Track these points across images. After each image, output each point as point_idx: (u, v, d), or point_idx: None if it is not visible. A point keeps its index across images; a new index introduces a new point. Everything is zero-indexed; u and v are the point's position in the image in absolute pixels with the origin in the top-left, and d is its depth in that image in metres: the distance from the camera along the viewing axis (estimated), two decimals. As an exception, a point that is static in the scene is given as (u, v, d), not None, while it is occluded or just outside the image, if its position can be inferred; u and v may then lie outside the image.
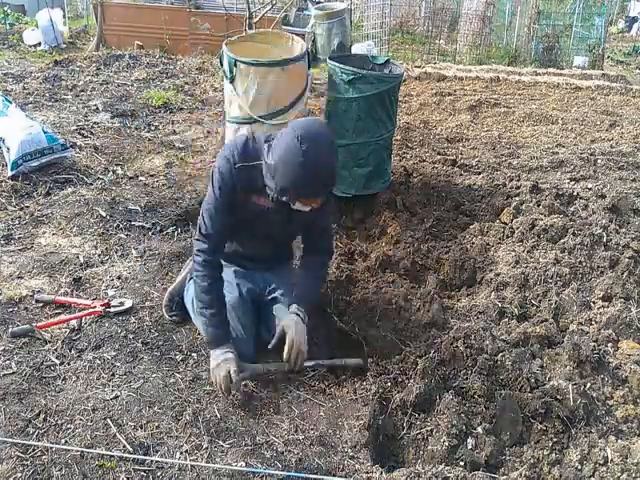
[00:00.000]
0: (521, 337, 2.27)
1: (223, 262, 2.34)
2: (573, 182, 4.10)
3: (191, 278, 2.44)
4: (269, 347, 2.26)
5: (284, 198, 2.08)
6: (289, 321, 2.24)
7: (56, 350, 2.27)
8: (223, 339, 2.17)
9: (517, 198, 3.66)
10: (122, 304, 2.54)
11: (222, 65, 3.54)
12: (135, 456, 1.81)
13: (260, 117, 3.39)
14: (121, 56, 7.20)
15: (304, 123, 2.08)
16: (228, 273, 2.40)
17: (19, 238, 3.07)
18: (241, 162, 2.14)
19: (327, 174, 2.05)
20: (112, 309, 2.50)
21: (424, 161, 4.56)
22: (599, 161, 4.60)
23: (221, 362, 2.10)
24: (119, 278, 2.78)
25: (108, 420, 1.95)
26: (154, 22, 8.95)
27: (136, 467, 1.78)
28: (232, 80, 3.41)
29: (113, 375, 2.16)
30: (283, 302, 2.39)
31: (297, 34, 10.05)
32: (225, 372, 2.06)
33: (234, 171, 2.14)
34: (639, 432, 1.93)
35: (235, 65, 3.37)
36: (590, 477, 1.76)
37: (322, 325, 2.64)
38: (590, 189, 3.80)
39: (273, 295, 2.47)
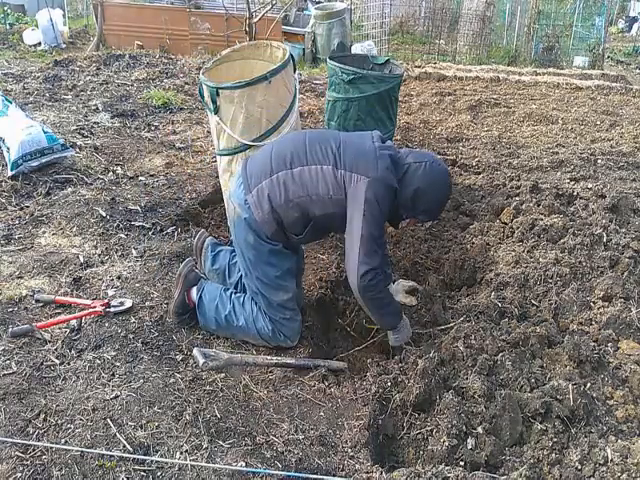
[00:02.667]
0: (521, 337, 2.27)
1: (284, 250, 2.42)
2: (573, 182, 4.10)
3: (200, 297, 2.49)
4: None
5: (419, 218, 2.46)
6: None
7: (56, 350, 2.27)
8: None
9: (517, 198, 3.66)
10: (122, 304, 2.54)
11: (203, 98, 3.17)
12: (135, 456, 1.81)
13: (254, 140, 3.08)
14: (121, 56, 7.20)
15: (440, 161, 2.48)
16: (290, 263, 2.47)
17: (19, 238, 3.07)
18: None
19: None
20: (112, 309, 2.50)
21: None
22: (599, 161, 4.60)
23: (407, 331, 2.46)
24: (119, 278, 2.78)
25: (108, 420, 1.95)
26: (154, 22, 8.96)
27: (136, 467, 1.78)
28: (217, 111, 3.08)
29: (113, 375, 2.16)
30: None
31: (297, 34, 10.10)
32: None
33: (394, 199, 2.32)
34: (639, 432, 1.93)
35: (217, 94, 3.02)
36: (590, 477, 1.76)
37: (322, 325, 2.64)
38: (590, 189, 3.80)
39: None
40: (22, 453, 1.80)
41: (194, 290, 2.51)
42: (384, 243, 2.51)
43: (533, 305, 2.60)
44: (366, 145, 2.35)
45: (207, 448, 1.88)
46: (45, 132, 3.78)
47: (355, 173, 2.26)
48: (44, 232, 3.14)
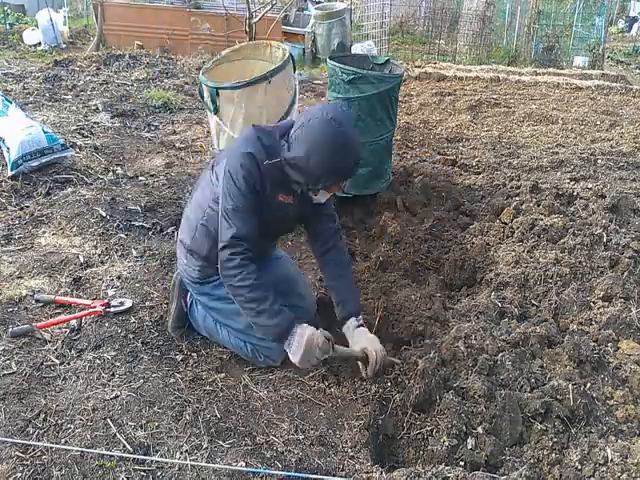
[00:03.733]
0: (521, 337, 2.27)
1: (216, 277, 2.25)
2: (573, 182, 4.10)
3: (192, 303, 2.42)
4: (364, 376, 2.17)
5: (319, 186, 2.07)
6: (363, 340, 2.17)
7: (56, 350, 2.27)
8: (292, 322, 2.04)
9: (517, 198, 3.66)
10: (122, 304, 2.54)
11: (203, 98, 3.18)
12: (135, 456, 1.81)
13: None
14: (121, 56, 7.21)
15: (331, 108, 2.07)
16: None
17: (19, 238, 3.07)
18: (266, 159, 2.06)
19: (359, 149, 2.08)
20: (112, 309, 2.50)
21: (424, 161, 4.56)
22: (599, 161, 4.61)
23: (307, 339, 1.99)
24: (119, 278, 2.78)
25: (108, 420, 1.95)
26: (154, 22, 8.96)
27: (136, 467, 1.78)
28: (217, 111, 3.08)
29: (113, 375, 2.16)
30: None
31: (297, 34, 10.10)
32: (323, 338, 2.00)
33: (262, 168, 2.05)
34: (639, 432, 1.93)
35: (217, 94, 3.02)
36: (590, 477, 1.76)
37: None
38: (590, 189, 3.80)
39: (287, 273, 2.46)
40: (22, 453, 1.80)
41: (189, 295, 2.46)
42: (253, 220, 2.07)
43: (533, 305, 2.60)
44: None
45: (207, 448, 1.88)
46: (45, 132, 3.78)
47: (220, 161, 2.19)
48: (44, 232, 3.14)
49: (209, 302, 2.34)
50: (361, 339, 2.17)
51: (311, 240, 2.44)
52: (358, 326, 2.22)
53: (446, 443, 1.84)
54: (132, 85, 6.17)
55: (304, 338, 1.99)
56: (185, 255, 2.35)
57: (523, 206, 3.47)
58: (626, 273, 2.68)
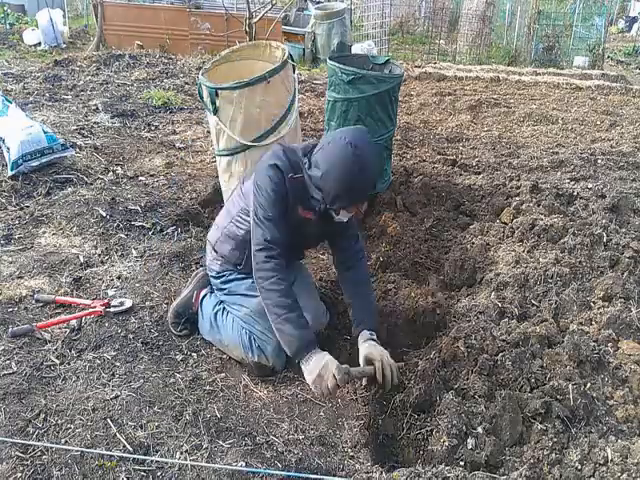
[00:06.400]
0: (521, 337, 2.26)
1: (240, 274, 2.40)
2: (573, 182, 4.09)
3: (204, 297, 2.49)
4: (363, 388, 2.20)
5: (335, 206, 2.14)
6: (370, 350, 2.14)
7: (56, 350, 2.27)
8: (315, 341, 2.06)
9: (517, 198, 3.65)
10: (122, 304, 2.54)
11: (202, 98, 3.18)
12: (135, 456, 1.81)
13: (253, 141, 3.10)
14: (121, 56, 7.21)
15: (351, 131, 2.14)
16: (245, 285, 2.39)
17: (19, 238, 3.07)
18: (291, 173, 2.16)
19: (375, 175, 2.24)
20: (112, 309, 2.50)
21: (424, 161, 4.56)
22: (599, 161, 4.60)
23: (324, 364, 1.98)
24: (119, 278, 2.78)
25: (108, 420, 1.95)
26: (154, 22, 8.97)
27: (136, 467, 1.78)
28: (216, 111, 3.08)
29: (113, 375, 2.16)
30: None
31: (297, 34, 10.11)
32: (334, 373, 1.96)
33: (287, 181, 2.15)
34: (639, 432, 1.93)
35: (217, 95, 3.03)
36: (590, 477, 1.75)
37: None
38: (590, 189, 3.79)
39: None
40: (22, 453, 1.80)
41: (204, 291, 2.52)
42: (282, 226, 2.15)
43: (533, 305, 2.60)
44: None
45: (207, 448, 1.88)
46: (45, 132, 3.78)
47: (250, 176, 2.35)
48: (44, 232, 3.14)
49: (220, 294, 2.47)
50: (369, 350, 2.14)
51: (333, 256, 2.52)
52: (369, 339, 2.19)
53: (446, 443, 1.84)
54: (132, 85, 6.17)
55: (321, 362, 1.99)
56: (211, 251, 2.52)
57: (523, 206, 3.47)
58: (626, 273, 2.68)
